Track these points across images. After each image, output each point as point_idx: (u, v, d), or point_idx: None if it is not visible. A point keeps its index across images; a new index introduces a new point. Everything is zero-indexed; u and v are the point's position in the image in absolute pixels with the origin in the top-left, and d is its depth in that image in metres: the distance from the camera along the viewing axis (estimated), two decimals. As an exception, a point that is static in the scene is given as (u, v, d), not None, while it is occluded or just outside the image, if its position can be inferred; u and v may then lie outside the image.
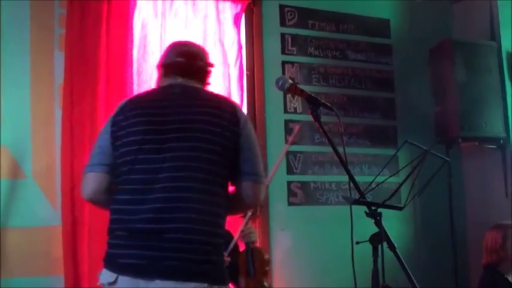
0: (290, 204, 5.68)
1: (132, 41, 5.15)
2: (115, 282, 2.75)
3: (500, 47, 6.27)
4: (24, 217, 4.58)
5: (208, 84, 3.29)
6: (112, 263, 2.82)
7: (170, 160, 2.85)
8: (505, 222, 5.34)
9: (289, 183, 5.75)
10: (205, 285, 2.74)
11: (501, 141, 6.09)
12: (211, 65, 3.32)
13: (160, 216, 2.77)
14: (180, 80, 3.15)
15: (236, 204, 3.09)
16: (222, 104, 3.11)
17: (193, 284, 2.72)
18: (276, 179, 5.63)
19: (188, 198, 2.82)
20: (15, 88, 4.75)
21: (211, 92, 3.25)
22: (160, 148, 2.87)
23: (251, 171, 3.03)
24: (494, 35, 6.35)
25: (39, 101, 4.46)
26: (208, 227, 2.85)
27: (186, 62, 3.19)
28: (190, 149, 2.88)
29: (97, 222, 4.67)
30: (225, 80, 5.48)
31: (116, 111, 3.05)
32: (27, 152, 4.75)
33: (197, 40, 5.42)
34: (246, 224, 4.63)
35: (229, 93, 5.48)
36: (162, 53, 3.39)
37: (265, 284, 4.58)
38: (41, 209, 4.48)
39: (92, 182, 2.97)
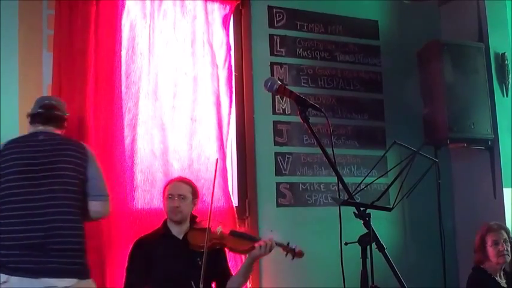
0: (279, 205, 5.69)
1: (120, 42, 5.13)
2: (6, 282, 3.72)
3: (489, 48, 6.29)
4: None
5: (64, 128, 4.34)
6: (4, 268, 3.75)
7: (44, 193, 3.92)
8: (490, 223, 5.38)
9: (277, 184, 5.75)
10: (76, 280, 3.90)
11: (489, 143, 6.11)
12: (66, 114, 4.38)
13: (48, 234, 3.86)
14: (40, 127, 4.19)
15: (89, 217, 4.22)
16: (75, 146, 4.19)
17: (67, 280, 3.87)
18: (265, 180, 5.66)
19: (63, 219, 3.93)
20: (4, 89, 4.73)
21: (67, 137, 4.32)
22: (35, 184, 3.93)
23: (96, 193, 4.18)
24: (482, 36, 6.36)
25: (28, 102, 4.42)
26: (75, 239, 4.00)
27: (45, 113, 4.23)
28: (57, 183, 3.97)
29: (85, 231, 4.65)
30: (214, 81, 5.48)
31: None
32: (16, 154, 4.74)
33: (186, 41, 5.44)
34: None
35: (218, 94, 5.48)
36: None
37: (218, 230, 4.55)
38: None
39: None
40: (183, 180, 4.70)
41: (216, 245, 4.44)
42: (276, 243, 4.44)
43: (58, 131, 4.25)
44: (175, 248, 4.44)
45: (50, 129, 4.21)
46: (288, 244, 4.45)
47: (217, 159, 4.84)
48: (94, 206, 4.16)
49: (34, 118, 4.24)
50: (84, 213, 4.13)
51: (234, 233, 4.62)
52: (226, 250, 4.69)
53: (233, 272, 4.70)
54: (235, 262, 5.07)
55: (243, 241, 4.55)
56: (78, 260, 3.97)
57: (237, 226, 5.23)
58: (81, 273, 3.98)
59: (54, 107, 4.29)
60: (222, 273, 4.59)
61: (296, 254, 4.43)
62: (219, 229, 4.48)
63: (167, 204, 4.54)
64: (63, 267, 3.87)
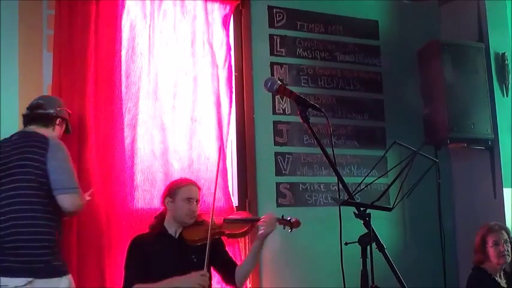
0: (279, 205, 5.68)
1: (120, 42, 5.13)
2: None
3: (489, 48, 6.30)
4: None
5: (52, 125, 4.35)
6: None
7: (6, 191, 3.98)
8: (490, 223, 5.38)
9: (278, 184, 5.75)
10: (31, 279, 3.85)
11: (489, 142, 6.12)
12: (52, 112, 4.35)
13: (5, 232, 3.92)
14: (23, 128, 4.30)
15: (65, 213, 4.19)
16: (37, 141, 4.12)
17: (20, 279, 3.84)
18: (265, 180, 5.65)
19: (19, 217, 3.94)
20: (4, 89, 4.73)
21: (36, 134, 4.19)
22: None
23: (58, 187, 4.06)
24: (482, 36, 6.37)
25: (28, 102, 4.43)
26: (34, 236, 3.95)
27: (29, 113, 4.33)
28: (17, 181, 4.00)
29: (85, 231, 4.67)
30: (214, 81, 5.48)
31: None
32: (16, 154, 4.74)
33: (186, 41, 5.44)
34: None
35: (218, 94, 5.48)
36: None
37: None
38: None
39: None
40: (196, 184, 4.67)
41: (214, 234, 4.45)
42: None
43: (43, 130, 4.26)
44: (171, 247, 4.42)
45: (32, 128, 4.26)
46: (283, 217, 4.52)
47: (220, 147, 4.88)
48: (60, 201, 4.08)
49: (23, 120, 4.35)
50: (54, 210, 4.10)
51: (227, 220, 4.67)
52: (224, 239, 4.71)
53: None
54: (233, 253, 5.08)
55: (239, 225, 4.62)
56: (36, 258, 3.94)
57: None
58: (40, 272, 3.93)
59: (40, 106, 4.34)
60: (226, 263, 4.58)
61: (293, 224, 4.50)
62: (212, 220, 4.48)
63: (185, 207, 4.47)
64: (17, 266, 3.88)
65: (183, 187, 4.54)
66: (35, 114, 4.30)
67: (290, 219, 4.50)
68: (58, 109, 4.40)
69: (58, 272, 4.03)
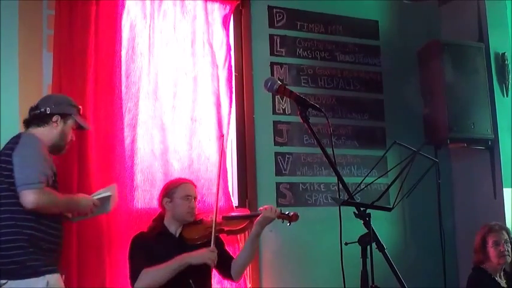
0: (279, 205, 5.66)
1: (120, 42, 5.13)
2: None
3: (489, 47, 6.29)
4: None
5: (47, 123, 4.20)
6: None
7: None
8: (491, 223, 5.38)
9: (278, 184, 5.75)
10: (5, 280, 3.77)
11: (489, 143, 6.11)
12: (51, 109, 4.22)
13: None
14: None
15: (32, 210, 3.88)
16: (11, 142, 4.02)
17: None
18: (265, 180, 5.65)
19: None
20: (4, 89, 4.72)
21: (19, 134, 4.14)
22: None
23: (18, 184, 3.82)
24: (482, 36, 6.37)
25: (28, 102, 4.41)
26: (10, 237, 3.83)
27: (28, 117, 4.24)
28: None
29: (85, 231, 4.66)
30: (214, 81, 5.48)
31: None
32: (16, 154, 4.73)
33: (186, 41, 5.44)
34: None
35: (218, 94, 5.48)
36: None
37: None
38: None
39: None
40: (191, 182, 4.68)
41: (214, 232, 4.45)
42: None
43: (38, 130, 4.17)
44: (172, 246, 4.40)
45: (29, 130, 4.18)
46: (281, 211, 4.52)
47: (222, 135, 4.93)
48: (20, 199, 3.82)
49: (23, 125, 4.30)
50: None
51: (226, 217, 4.67)
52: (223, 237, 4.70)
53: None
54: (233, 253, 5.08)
55: (237, 221, 4.62)
56: (9, 260, 3.81)
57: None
58: (13, 273, 3.81)
59: (36, 107, 4.26)
60: (224, 259, 4.55)
61: (291, 217, 4.50)
62: (211, 217, 4.49)
63: (184, 205, 4.48)
64: None
65: (180, 186, 4.56)
66: (31, 116, 4.23)
67: (288, 213, 4.49)
68: (53, 106, 4.25)
69: (35, 273, 3.86)
